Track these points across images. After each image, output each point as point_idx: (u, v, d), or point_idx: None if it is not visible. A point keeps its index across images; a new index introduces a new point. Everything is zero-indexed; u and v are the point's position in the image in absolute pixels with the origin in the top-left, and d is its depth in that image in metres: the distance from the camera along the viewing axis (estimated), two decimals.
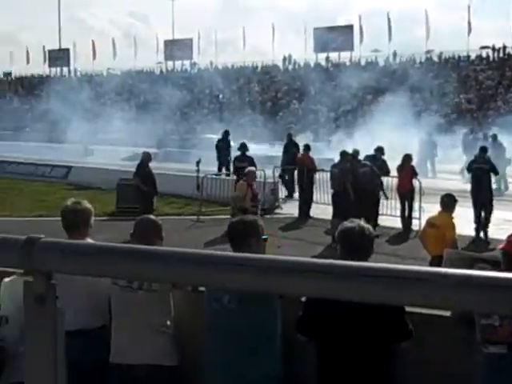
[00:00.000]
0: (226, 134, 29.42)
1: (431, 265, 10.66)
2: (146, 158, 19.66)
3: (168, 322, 5.37)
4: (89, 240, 5.24)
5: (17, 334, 5.42)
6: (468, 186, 19.11)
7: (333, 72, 65.06)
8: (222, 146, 28.62)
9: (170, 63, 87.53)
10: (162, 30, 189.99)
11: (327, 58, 72.95)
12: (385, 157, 19.94)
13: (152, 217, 6.00)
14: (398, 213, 19.26)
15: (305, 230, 19.41)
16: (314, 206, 21.56)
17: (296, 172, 23.20)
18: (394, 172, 19.51)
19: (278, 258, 1.39)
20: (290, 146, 26.02)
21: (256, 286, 1.43)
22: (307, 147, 22.75)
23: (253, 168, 17.52)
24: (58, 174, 31.33)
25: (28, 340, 1.61)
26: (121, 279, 4.91)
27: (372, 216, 16.38)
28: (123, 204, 21.61)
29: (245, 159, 21.11)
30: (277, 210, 22.20)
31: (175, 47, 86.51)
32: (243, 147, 21.77)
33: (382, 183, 19.05)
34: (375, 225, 16.84)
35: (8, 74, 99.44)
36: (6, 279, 5.73)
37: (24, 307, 1.56)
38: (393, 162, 19.69)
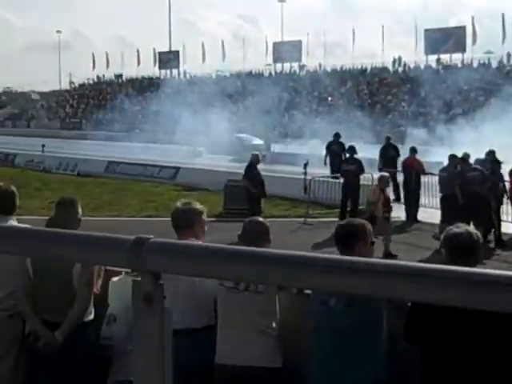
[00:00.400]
0: (337, 136, 29.15)
1: None
2: (255, 159, 19.77)
3: (273, 324, 5.37)
4: (198, 241, 5.29)
5: (124, 333, 5.53)
6: None
7: (444, 74, 64.12)
8: (334, 149, 28.27)
9: (278, 65, 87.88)
10: (271, 31, 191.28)
11: (438, 60, 71.95)
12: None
13: (260, 219, 6.02)
14: (510, 218, 18.82)
15: (412, 234, 19.16)
16: (421, 209, 21.25)
17: (399, 175, 22.94)
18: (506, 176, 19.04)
19: (384, 262, 1.37)
20: (388, 149, 25.67)
21: (362, 290, 1.41)
22: (414, 150, 22.36)
23: (386, 174, 17.34)
24: (167, 174, 31.78)
25: (136, 339, 1.62)
26: (227, 280, 4.94)
27: (483, 221, 16.00)
28: (230, 205, 21.74)
29: (353, 162, 20.96)
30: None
31: (284, 49, 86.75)
32: (351, 150, 21.60)
33: (504, 186, 18.46)
34: (487, 233, 16.48)
35: (119, 76, 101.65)
36: (114, 278, 5.84)
37: (132, 306, 1.58)
38: (505, 167, 19.21)
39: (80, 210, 6.07)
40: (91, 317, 5.88)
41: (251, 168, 19.50)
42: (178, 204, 5.89)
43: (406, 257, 15.02)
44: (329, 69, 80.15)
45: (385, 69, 75.34)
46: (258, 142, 49.69)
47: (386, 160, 24.90)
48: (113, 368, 5.83)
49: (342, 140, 28.67)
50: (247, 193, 19.19)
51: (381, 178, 16.65)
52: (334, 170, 27.45)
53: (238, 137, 49.76)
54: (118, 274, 5.83)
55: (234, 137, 49.20)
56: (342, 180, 21.57)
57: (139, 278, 1.57)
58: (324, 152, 29.22)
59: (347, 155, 22.21)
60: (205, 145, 48.15)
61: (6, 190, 6.36)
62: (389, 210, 16.59)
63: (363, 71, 76.54)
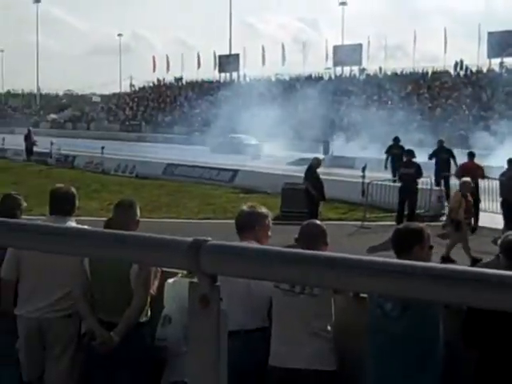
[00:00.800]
0: (397, 140, 28.90)
1: None
2: (316, 163, 19.75)
3: (328, 327, 5.36)
4: (256, 244, 5.29)
5: (179, 334, 5.56)
6: None
7: (507, 77, 63.21)
8: (395, 152, 27.89)
9: (338, 69, 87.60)
10: (331, 34, 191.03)
11: (501, 64, 70.92)
12: None
13: (317, 222, 6.02)
14: None
15: (471, 238, 18.92)
16: (481, 214, 20.97)
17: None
18: None
19: (441, 267, 1.35)
20: (441, 153, 25.46)
21: (419, 294, 1.40)
22: (472, 154, 22.08)
23: (468, 179, 17.05)
24: (225, 177, 31.85)
25: (191, 340, 1.63)
26: (283, 283, 4.94)
27: None
28: (287, 208, 21.70)
29: (411, 165, 20.81)
30: (443, 218, 21.72)
31: (344, 52, 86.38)
32: (410, 154, 21.45)
33: None
34: None
35: (179, 79, 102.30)
36: (170, 280, 5.87)
37: (188, 308, 1.58)
38: None
39: (138, 212, 6.10)
40: (147, 318, 5.91)
41: (311, 171, 19.48)
42: (243, 207, 5.92)
43: (464, 261, 14.85)
44: (389, 72, 79.67)
45: (446, 72, 74.61)
46: (251, 141, 55.62)
47: (440, 163, 24.73)
48: (167, 369, 5.86)
49: (401, 144, 28.44)
50: (307, 195, 19.16)
51: (463, 184, 16.30)
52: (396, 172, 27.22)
53: (232, 137, 55.87)
54: (173, 275, 5.86)
55: (229, 137, 55.66)
56: (399, 184, 21.41)
57: (195, 280, 1.58)
58: (383, 156, 29.05)
59: (405, 159, 22.04)
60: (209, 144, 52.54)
61: (66, 192, 6.44)
62: (470, 216, 16.38)
63: (424, 75, 75.90)
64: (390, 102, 67.87)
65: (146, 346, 5.85)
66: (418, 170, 20.56)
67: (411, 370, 4.86)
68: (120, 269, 5.66)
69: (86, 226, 4.86)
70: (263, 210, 5.89)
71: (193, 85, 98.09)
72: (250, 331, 5.46)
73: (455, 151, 26.29)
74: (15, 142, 50.40)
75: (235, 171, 32.05)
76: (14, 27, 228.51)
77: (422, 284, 1.34)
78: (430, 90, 69.58)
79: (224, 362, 1.59)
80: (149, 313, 5.93)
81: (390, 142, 29.19)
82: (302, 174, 20.09)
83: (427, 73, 76.13)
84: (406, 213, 20.29)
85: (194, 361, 1.62)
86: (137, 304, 5.74)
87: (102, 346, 5.72)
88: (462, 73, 73.43)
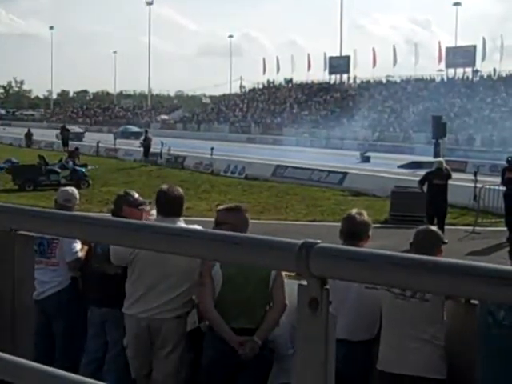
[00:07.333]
0: None
1: None
2: (441, 166, 19.41)
3: (439, 333, 5.25)
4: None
5: (286, 336, 5.54)
6: None
7: None
8: None
9: (450, 71, 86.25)
10: (444, 36, 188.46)
11: None
12: None
13: (432, 227, 5.93)
14: None
15: None
16: None
17: None
18: None
19: None
20: None
21: None
22: None
23: None
24: (334, 179, 31.70)
25: (299, 343, 1.62)
26: (395, 288, 4.87)
27: None
28: (396, 211, 21.51)
29: None
30: None
31: (457, 54, 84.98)
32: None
33: None
34: None
35: (289, 81, 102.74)
36: None
37: (297, 310, 1.57)
38: None
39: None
40: None
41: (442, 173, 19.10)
42: (353, 213, 5.82)
43: None
44: (504, 74, 77.95)
45: None
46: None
47: None
48: (273, 371, 5.82)
49: None
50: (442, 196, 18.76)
51: None
52: None
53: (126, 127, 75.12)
54: None
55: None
56: (503, 188, 20.82)
57: (304, 282, 1.57)
58: (494, 160, 28.47)
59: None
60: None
61: (174, 193, 6.42)
62: None
63: None
64: (504, 105, 66.47)
65: (269, 347, 5.77)
66: None
67: None
68: (258, 273, 5.57)
69: (196, 226, 4.90)
70: (366, 218, 5.82)
71: (302, 86, 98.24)
72: (354, 342, 5.38)
73: None
74: (126, 141, 51.41)
75: (344, 173, 31.89)
76: (126, 29, 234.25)
77: None
78: None
79: (332, 366, 1.58)
80: None
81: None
82: (412, 178, 19.82)
83: None
84: None
85: (301, 363, 1.61)
86: (277, 307, 5.64)
87: (249, 352, 5.60)
88: None
